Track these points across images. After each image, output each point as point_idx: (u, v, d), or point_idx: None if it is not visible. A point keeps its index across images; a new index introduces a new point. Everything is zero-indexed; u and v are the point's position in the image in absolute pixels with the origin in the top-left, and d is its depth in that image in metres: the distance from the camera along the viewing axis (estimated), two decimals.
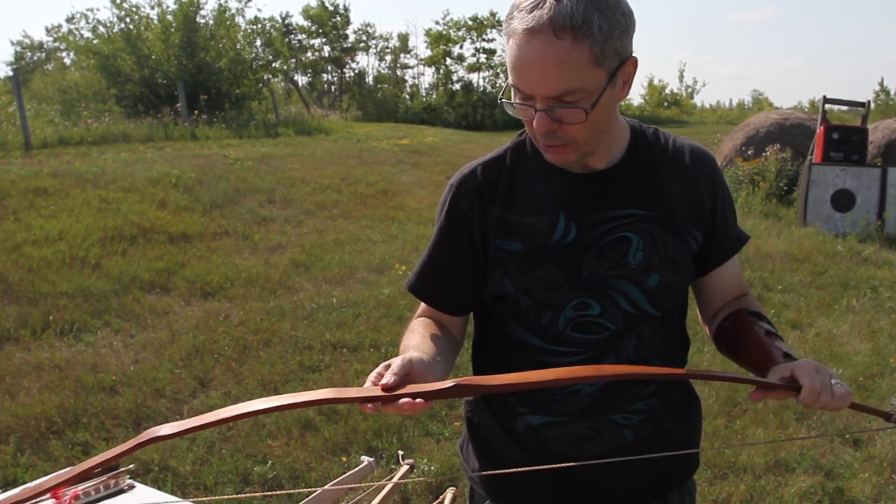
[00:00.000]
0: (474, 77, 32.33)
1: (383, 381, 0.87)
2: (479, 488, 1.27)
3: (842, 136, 7.78)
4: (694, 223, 1.14)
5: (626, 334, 1.11)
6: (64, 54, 27.34)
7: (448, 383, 0.88)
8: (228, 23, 15.51)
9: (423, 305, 1.22)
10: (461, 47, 32.50)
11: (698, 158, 1.17)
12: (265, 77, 17.26)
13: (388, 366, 0.92)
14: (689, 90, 38.97)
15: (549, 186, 1.11)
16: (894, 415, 1.04)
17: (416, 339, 1.09)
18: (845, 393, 0.95)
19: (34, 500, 1.42)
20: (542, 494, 1.20)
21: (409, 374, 0.91)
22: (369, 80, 32.59)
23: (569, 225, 1.09)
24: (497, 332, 1.18)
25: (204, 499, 2.47)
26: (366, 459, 1.87)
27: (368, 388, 0.89)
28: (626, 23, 0.96)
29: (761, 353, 1.07)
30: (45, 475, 1.53)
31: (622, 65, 0.97)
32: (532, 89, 0.96)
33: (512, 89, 1.00)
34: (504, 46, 1.02)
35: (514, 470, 1.11)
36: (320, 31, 31.35)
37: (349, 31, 32.40)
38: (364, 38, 33.12)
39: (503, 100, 1.02)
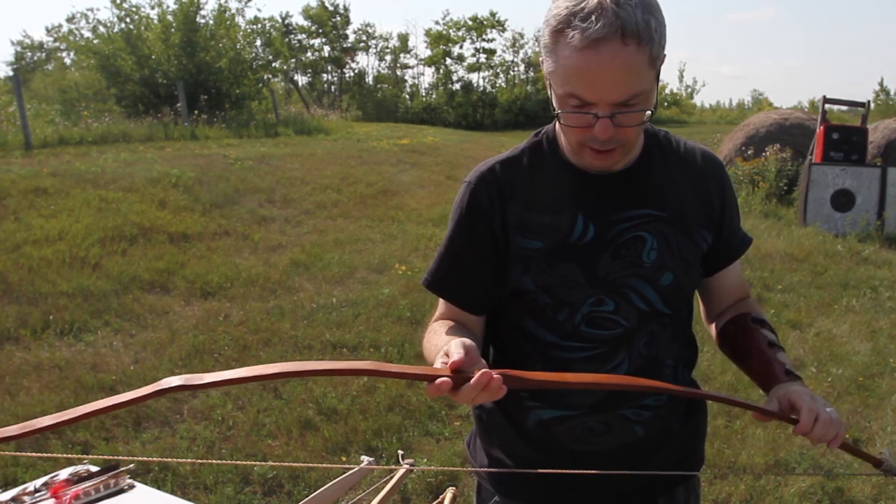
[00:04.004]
0: (474, 77, 32.32)
1: (452, 360, 0.88)
2: (486, 484, 1.28)
3: (842, 136, 7.77)
4: (704, 224, 1.17)
5: (638, 331, 1.14)
6: (64, 54, 27.35)
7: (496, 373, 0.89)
8: (228, 23, 15.51)
9: (440, 308, 1.21)
10: (461, 47, 32.51)
11: (708, 162, 1.21)
12: (265, 77, 17.26)
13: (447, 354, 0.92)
14: (689, 90, 38.94)
15: (568, 186, 1.12)
16: (885, 461, 1.08)
17: (444, 339, 1.07)
18: (837, 418, 1.02)
19: (34, 501, 1.43)
20: (551, 489, 1.20)
21: (469, 355, 0.91)
22: (369, 80, 32.60)
23: (587, 224, 1.11)
24: (510, 329, 1.19)
25: None
26: (366, 459, 1.87)
27: (437, 367, 0.90)
28: (665, 22, 0.99)
29: (763, 366, 1.14)
30: (46, 475, 1.53)
31: (662, 62, 1.01)
32: (599, 97, 0.97)
33: (559, 97, 1.01)
34: (543, 56, 1.01)
35: (536, 471, 1.12)
36: (320, 31, 31.36)
37: (349, 31, 32.42)
38: (364, 37, 33.12)
39: (559, 111, 1.02)
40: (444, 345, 1.01)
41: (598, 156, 1.05)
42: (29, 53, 32.46)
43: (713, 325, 1.29)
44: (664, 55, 1.01)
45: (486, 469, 1.27)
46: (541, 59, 1.04)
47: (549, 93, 1.05)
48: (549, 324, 1.13)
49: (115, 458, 2.60)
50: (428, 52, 32.83)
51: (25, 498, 1.43)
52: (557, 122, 1.09)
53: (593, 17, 0.92)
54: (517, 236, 1.12)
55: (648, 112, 1.00)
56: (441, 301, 1.21)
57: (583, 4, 0.93)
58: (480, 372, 0.87)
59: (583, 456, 1.17)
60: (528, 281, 1.12)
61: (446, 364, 0.90)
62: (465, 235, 1.15)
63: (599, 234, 1.11)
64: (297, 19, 41.28)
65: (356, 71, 32.80)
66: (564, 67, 0.96)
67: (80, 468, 1.55)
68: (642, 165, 1.14)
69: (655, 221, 1.12)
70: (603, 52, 0.93)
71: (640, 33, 0.93)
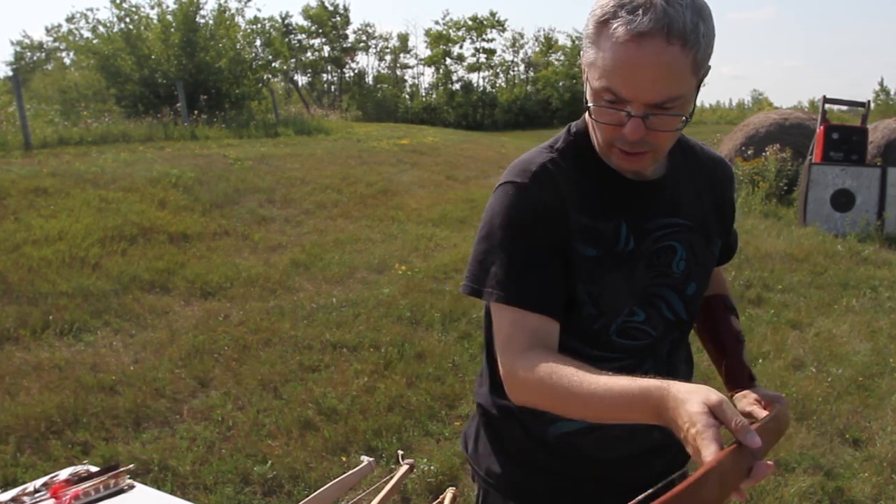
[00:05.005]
0: (474, 77, 32.39)
1: (754, 444, 0.74)
2: (496, 490, 1.26)
3: (842, 135, 7.78)
4: (718, 231, 1.19)
5: (663, 340, 1.14)
6: (64, 54, 27.38)
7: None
8: (228, 23, 15.51)
9: (517, 340, 1.02)
10: (461, 47, 32.63)
11: (723, 169, 1.22)
12: (265, 77, 17.26)
13: (712, 413, 0.77)
14: None
15: (612, 193, 1.09)
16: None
17: (601, 374, 0.92)
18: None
19: (34, 501, 1.42)
20: (566, 492, 1.21)
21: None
22: (369, 80, 32.65)
23: (629, 233, 1.09)
24: None
25: None
26: (365, 459, 1.87)
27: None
28: (715, 32, 0.96)
29: (733, 367, 1.22)
30: (45, 475, 1.53)
31: (705, 73, 0.98)
32: (634, 95, 0.93)
33: (594, 91, 0.97)
34: (584, 46, 0.98)
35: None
36: (320, 31, 31.40)
37: (349, 31, 32.52)
38: (364, 38, 33.18)
39: (592, 105, 0.98)
40: (647, 387, 0.86)
41: (626, 157, 1.01)
42: (29, 53, 32.52)
43: None
44: (709, 66, 0.97)
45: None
46: (581, 52, 1.01)
47: (584, 86, 1.01)
48: (581, 333, 1.10)
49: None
50: (428, 52, 32.89)
51: (25, 498, 1.42)
52: (588, 119, 1.05)
53: (640, 11, 0.89)
54: (578, 241, 1.06)
55: (683, 119, 0.97)
56: (512, 321, 1.03)
57: None
58: (757, 465, 0.75)
59: (603, 462, 1.18)
60: (581, 290, 1.07)
61: (740, 427, 0.76)
62: (535, 240, 1.05)
63: (638, 242, 1.09)
64: (297, 19, 41.34)
65: (356, 71, 32.88)
66: (604, 59, 0.93)
67: (80, 468, 1.55)
68: (673, 173, 1.13)
69: (685, 231, 1.12)
70: (645, 48, 0.89)
71: (687, 35, 0.90)
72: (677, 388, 0.83)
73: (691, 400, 0.79)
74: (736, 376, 1.23)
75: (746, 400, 1.19)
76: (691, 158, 1.18)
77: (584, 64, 0.99)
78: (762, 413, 1.14)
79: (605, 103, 0.96)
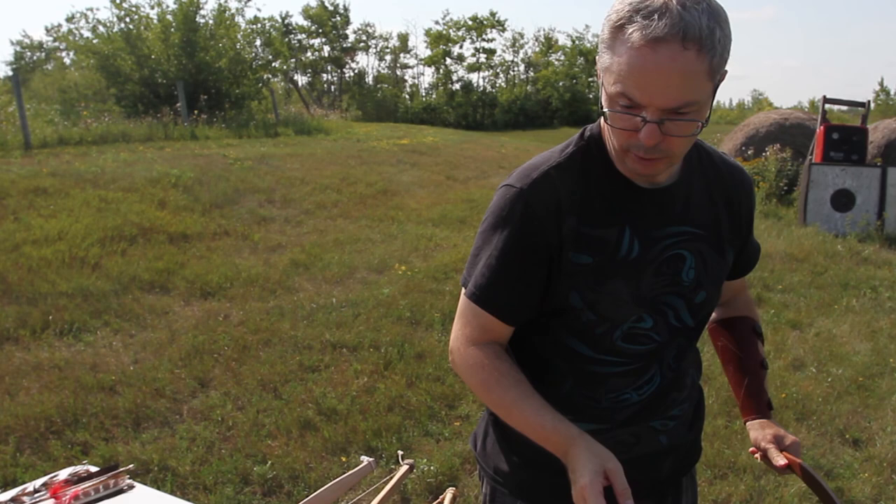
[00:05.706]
0: (474, 77, 32.38)
1: None
2: (504, 489, 1.26)
3: (842, 136, 7.78)
4: (732, 242, 1.19)
5: (668, 345, 1.15)
6: (64, 54, 27.38)
7: None
8: (228, 22, 15.52)
9: (473, 322, 1.13)
10: (461, 47, 32.63)
11: (740, 178, 1.21)
12: (265, 77, 17.27)
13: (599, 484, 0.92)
14: None
15: (617, 199, 1.09)
16: None
17: (534, 396, 1.06)
18: None
19: (34, 501, 1.42)
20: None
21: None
22: (369, 79, 32.66)
23: (633, 240, 1.08)
24: (542, 341, 1.16)
25: None
26: (365, 459, 1.87)
27: None
28: (731, 37, 0.96)
29: (752, 393, 1.27)
30: (45, 475, 1.53)
31: (722, 78, 0.98)
32: (649, 100, 0.93)
33: (609, 96, 0.97)
34: (600, 50, 0.98)
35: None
36: (320, 30, 31.39)
37: (349, 31, 32.50)
38: (364, 37, 33.18)
39: (608, 110, 0.98)
40: (555, 431, 1.01)
41: (642, 162, 1.01)
42: (28, 53, 32.52)
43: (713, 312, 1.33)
44: (725, 71, 0.97)
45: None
46: (597, 56, 1.00)
47: (600, 91, 1.01)
48: (585, 337, 1.11)
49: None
50: (428, 52, 32.89)
51: (25, 498, 1.42)
52: (604, 123, 1.05)
53: (656, 16, 0.89)
54: (570, 251, 1.07)
55: (699, 124, 0.96)
56: (473, 313, 1.13)
57: (647, 2, 0.90)
58: None
59: None
60: (575, 297, 1.08)
61: (623, 491, 0.93)
62: (520, 248, 1.08)
63: (644, 250, 1.08)
64: (297, 19, 41.39)
65: (356, 71, 32.89)
66: (619, 64, 0.93)
67: (79, 468, 1.55)
68: (685, 180, 1.12)
69: (695, 240, 1.12)
70: (661, 53, 0.89)
71: (703, 40, 0.89)
72: (588, 443, 0.98)
73: (592, 458, 0.95)
74: (754, 403, 1.24)
75: (763, 433, 1.22)
76: (707, 165, 1.17)
77: (600, 69, 0.99)
78: (778, 456, 1.17)
79: (621, 108, 0.96)
